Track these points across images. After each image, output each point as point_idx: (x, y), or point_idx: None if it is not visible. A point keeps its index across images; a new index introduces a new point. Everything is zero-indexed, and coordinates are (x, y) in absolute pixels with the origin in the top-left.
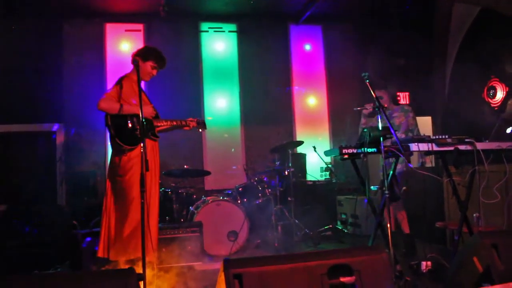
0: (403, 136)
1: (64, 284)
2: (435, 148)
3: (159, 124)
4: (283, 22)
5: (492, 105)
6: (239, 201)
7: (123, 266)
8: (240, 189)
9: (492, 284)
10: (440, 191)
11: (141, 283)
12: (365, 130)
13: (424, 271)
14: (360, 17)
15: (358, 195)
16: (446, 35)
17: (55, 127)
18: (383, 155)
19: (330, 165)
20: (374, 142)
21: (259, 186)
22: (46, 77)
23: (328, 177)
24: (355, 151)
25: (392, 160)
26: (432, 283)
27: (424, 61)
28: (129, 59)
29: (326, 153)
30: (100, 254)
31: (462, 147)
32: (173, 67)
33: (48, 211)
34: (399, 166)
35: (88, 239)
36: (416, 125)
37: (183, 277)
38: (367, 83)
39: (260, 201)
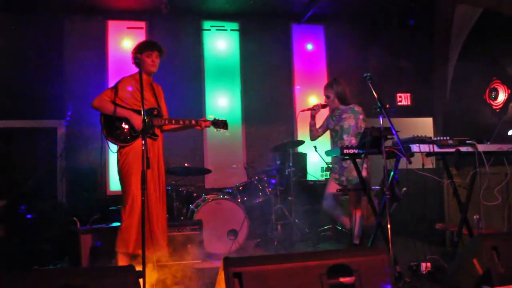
0: (352, 139)
1: (63, 280)
2: (436, 149)
3: (161, 123)
4: (285, 21)
5: (493, 107)
6: (239, 200)
7: (126, 262)
8: (240, 187)
9: (492, 286)
10: (441, 193)
11: (141, 280)
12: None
13: (424, 272)
14: (362, 17)
15: None
16: (448, 36)
17: (56, 123)
18: (384, 155)
19: (330, 165)
20: (375, 143)
21: (259, 185)
22: (47, 74)
23: (328, 177)
24: (356, 151)
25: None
26: (432, 284)
27: (425, 62)
28: (131, 56)
29: (327, 153)
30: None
31: (463, 149)
32: (175, 65)
33: (48, 207)
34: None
35: (88, 235)
36: None
37: (183, 275)
38: (369, 83)
39: (260, 200)
